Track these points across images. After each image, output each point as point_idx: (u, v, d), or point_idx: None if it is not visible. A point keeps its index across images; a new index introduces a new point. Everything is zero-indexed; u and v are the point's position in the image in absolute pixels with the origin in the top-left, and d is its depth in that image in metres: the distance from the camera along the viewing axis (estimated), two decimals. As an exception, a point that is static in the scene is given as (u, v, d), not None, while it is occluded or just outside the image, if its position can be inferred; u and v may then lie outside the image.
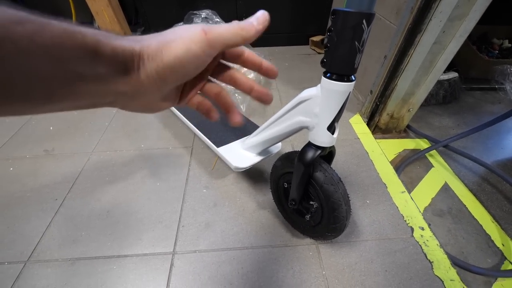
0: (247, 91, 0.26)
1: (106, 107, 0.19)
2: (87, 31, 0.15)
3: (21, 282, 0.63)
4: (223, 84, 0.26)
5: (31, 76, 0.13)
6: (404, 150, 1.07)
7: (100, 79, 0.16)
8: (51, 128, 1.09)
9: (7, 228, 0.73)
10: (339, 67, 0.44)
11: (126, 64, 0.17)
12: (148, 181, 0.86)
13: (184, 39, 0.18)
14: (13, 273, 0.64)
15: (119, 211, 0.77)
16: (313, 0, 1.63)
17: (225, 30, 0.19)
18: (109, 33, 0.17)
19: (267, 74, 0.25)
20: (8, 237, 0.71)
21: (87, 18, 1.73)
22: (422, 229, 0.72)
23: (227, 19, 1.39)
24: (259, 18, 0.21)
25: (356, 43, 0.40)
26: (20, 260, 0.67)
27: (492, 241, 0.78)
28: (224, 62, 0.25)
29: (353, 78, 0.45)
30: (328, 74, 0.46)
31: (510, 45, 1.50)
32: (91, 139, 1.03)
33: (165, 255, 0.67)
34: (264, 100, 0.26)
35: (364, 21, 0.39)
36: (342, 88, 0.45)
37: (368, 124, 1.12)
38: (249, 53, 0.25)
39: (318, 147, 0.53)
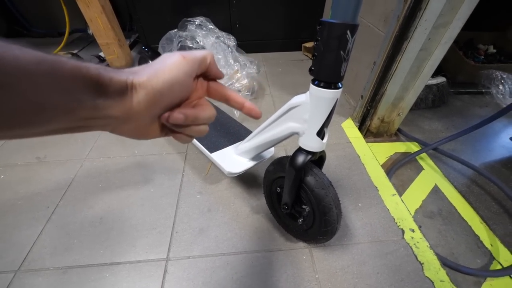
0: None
1: (98, 130, 0.21)
2: (90, 66, 0.17)
3: (11, 292, 0.62)
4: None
5: (43, 106, 0.15)
6: (395, 153, 1.10)
7: (98, 105, 0.18)
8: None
9: (-3, 237, 0.72)
10: (326, 75, 0.46)
11: (121, 92, 0.19)
12: (141, 188, 0.86)
13: (168, 65, 0.21)
14: (3, 284, 0.63)
15: (112, 218, 0.77)
16: (306, 7, 1.67)
17: (198, 53, 0.24)
18: (108, 67, 0.19)
19: (249, 113, 0.29)
20: (-1, 246, 0.70)
21: (81, 25, 1.74)
22: (413, 231, 0.74)
23: (220, 26, 1.41)
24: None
25: (342, 52, 0.42)
26: (10, 270, 0.66)
27: (481, 242, 0.79)
28: (218, 82, 0.28)
29: (340, 86, 0.47)
30: (316, 82, 0.47)
31: (495, 50, 1.56)
32: (84, 146, 1.02)
33: (158, 262, 0.67)
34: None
35: (348, 31, 0.40)
36: (329, 95, 0.46)
37: (359, 128, 1.14)
38: (233, 93, 0.28)
39: (308, 152, 0.54)
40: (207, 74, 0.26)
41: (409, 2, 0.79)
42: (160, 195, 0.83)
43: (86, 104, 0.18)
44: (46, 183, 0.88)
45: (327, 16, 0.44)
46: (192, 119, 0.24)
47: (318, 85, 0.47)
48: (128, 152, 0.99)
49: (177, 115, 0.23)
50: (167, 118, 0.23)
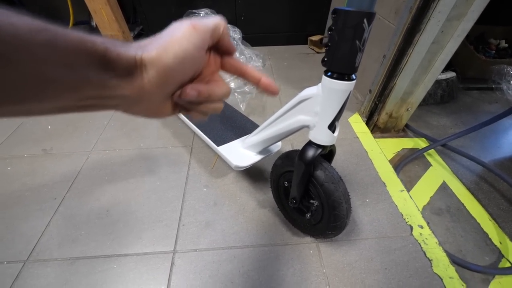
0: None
1: (110, 110, 0.20)
2: (96, 40, 0.16)
3: (21, 281, 0.62)
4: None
5: (45, 80, 0.14)
6: (403, 149, 1.08)
7: (106, 84, 0.17)
8: (49, 127, 1.08)
9: (5, 227, 0.73)
10: (340, 66, 0.44)
11: (130, 69, 0.18)
12: (147, 180, 0.86)
13: (177, 38, 0.19)
14: (12, 273, 0.64)
15: (119, 210, 0.77)
16: (312, 0, 1.63)
17: (209, 21, 0.21)
18: (116, 41, 0.17)
19: (266, 89, 0.26)
20: (7, 237, 0.71)
21: (84, 17, 1.72)
22: (421, 227, 0.73)
23: (226, 18, 1.39)
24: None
25: (357, 42, 0.41)
26: (19, 260, 0.66)
27: (490, 239, 0.78)
28: (234, 58, 0.26)
29: (354, 77, 0.45)
30: (329, 73, 0.46)
31: (506, 45, 1.52)
32: (89, 138, 1.02)
33: (165, 254, 0.67)
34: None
35: (365, 20, 0.39)
36: (343, 87, 0.45)
37: (367, 123, 1.12)
38: (249, 67, 0.26)
39: (319, 146, 0.53)
40: (218, 46, 0.24)
41: (423, -7, 0.77)
42: (166, 188, 0.83)
43: (92, 82, 0.16)
44: (52, 175, 0.88)
45: (338, 4, 0.43)
46: (206, 96, 0.22)
47: (331, 77, 0.45)
48: (134, 145, 0.99)
49: (190, 92, 0.21)
50: (179, 95, 0.21)
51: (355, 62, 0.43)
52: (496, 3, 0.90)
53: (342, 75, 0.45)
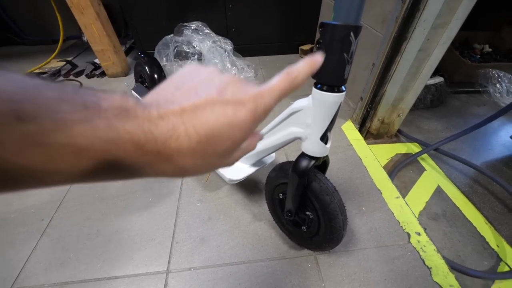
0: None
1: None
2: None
3: (4, 311, 0.59)
4: None
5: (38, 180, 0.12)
6: (396, 154, 1.09)
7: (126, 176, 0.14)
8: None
9: (-11, 253, 0.70)
10: (329, 79, 0.44)
11: (153, 163, 0.14)
12: (139, 197, 0.83)
13: (220, 117, 0.15)
14: (-5, 303, 0.60)
15: (110, 229, 0.74)
16: (301, 10, 1.67)
17: (272, 98, 0.17)
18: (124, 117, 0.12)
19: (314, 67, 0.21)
20: (-10, 263, 0.67)
21: (75, 31, 1.72)
22: (419, 234, 0.72)
23: (217, 30, 1.40)
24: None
25: (345, 55, 0.41)
26: (3, 288, 0.63)
27: (487, 243, 0.78)
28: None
29: (344, 89, 0.45)
30: (319, 85, 0.46)
31: (490, 49, 1.57)
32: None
33: (158, 275, 0.65)
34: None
35: (351, 33, 0.39)
36: (333, 99, 0.45)
37: (360, 130, 1.13)
38: (284, 81, 0.19)
39: (312, 157, 0.52)
40: None
41: (408, 3, 0.79)
42: (158, 204, 0.81)
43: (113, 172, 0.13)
44: (40, 194, 0.85)
45: (323, 18, 0.43)
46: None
47: (321, 89, 0.45)
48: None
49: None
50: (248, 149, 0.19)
51: (343, 74, 0.43)
52: (475, 10, 0.93)
53: (332, 87, 0.45)
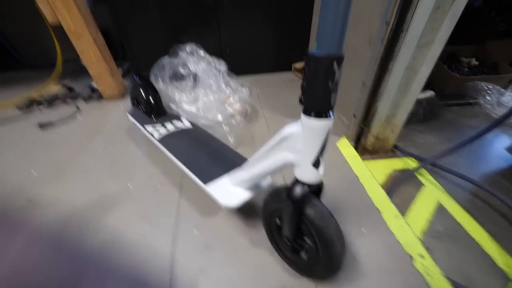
0: None
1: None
2: None
3: None
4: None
5: None
6: (394, 170, 1.08)
7: None
8: (32, 171, 1.05)
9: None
10: (316, 106, 0.45)
11: None
12: (136, 225, 0.81)
13: None
14: None
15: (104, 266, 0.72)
16: (293, 28, 1.72)
17: None
18: None
19: None
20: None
21: (73, 55, 1.76)
22: (422, 256, 0.70)
23: (211, 51, 1.43)
24: None
25: (330, 83, 0.42)
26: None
27: (492, 260, 0.76)
28: None
29: (331, 114, 0.46)
30: (307, 112, 0.46)
31: (477, 62, 1.61)
32: (76, 182, 0.98)
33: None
34: None
35: (334, 63, 0.40)
36: (321, 125, 0.45)
37: (355, 147, 1.13)
38: None
39: (305, 184, 0.52)
40: None
41: (391, 25, 0.82)
42: (155, 234, 0.78)
43: None
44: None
45: (313, 42, 0.44)
46: None
47: (309, 115, 0.46)
48: (122, 186, 0.95)
49: None
50: None
51: (330, 101, 0.44)
52: (458, 24, 0.95)
53: (319, 113, 0.45)
